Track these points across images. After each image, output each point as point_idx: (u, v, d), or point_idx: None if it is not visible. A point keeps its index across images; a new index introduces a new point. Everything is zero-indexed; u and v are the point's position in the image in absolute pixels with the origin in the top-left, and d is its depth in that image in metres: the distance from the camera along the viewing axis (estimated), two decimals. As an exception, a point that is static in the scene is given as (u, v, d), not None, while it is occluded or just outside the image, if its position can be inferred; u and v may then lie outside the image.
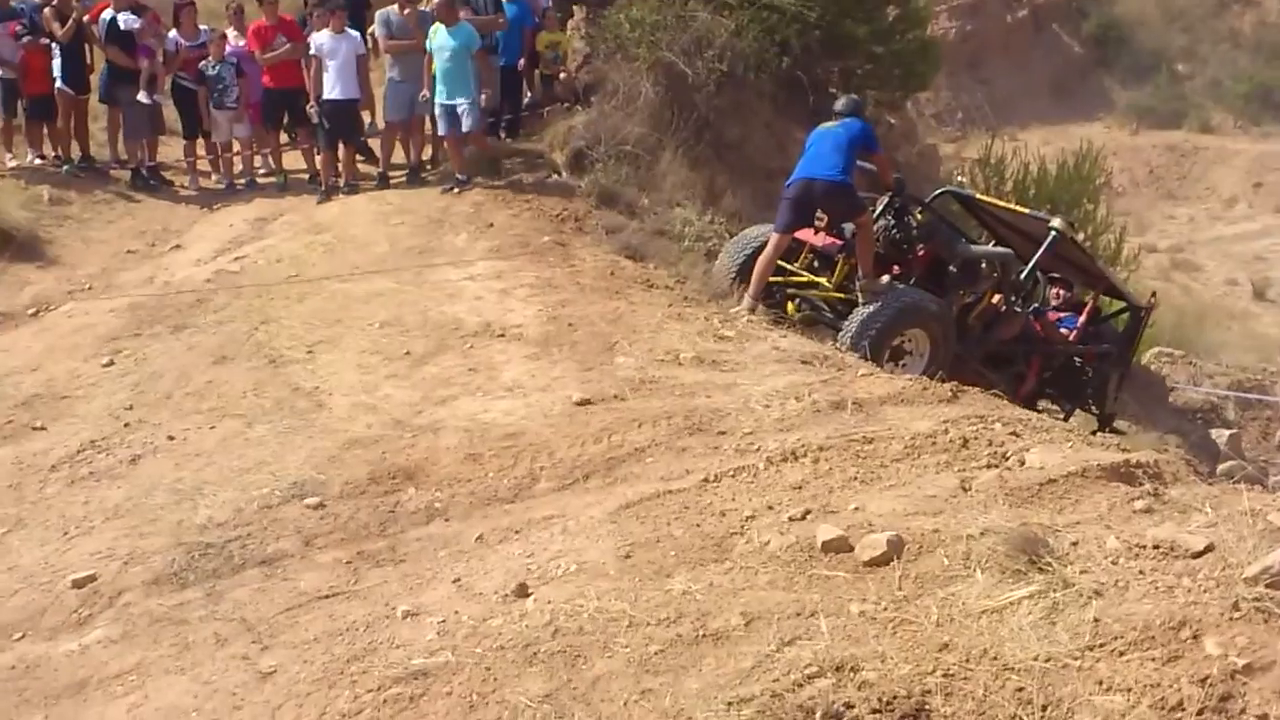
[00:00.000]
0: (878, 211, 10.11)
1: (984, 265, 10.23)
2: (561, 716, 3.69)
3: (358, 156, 13.30)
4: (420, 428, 7.10)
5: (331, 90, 12.41)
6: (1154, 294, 12.51)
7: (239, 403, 7.69)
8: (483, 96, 12.36)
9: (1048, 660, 3.41)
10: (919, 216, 10.32)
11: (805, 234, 9.96)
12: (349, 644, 4.55)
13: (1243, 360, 18.46)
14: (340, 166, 12.87)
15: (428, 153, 13.57)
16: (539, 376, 7.85)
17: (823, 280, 9.91)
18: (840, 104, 10.08)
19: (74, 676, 4.67)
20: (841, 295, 9.71)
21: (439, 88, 12.25)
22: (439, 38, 12.14)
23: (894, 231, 10.06)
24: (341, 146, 12.86)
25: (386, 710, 3.97)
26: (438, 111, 12.47)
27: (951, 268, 10.07)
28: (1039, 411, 9.36)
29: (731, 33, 13.38)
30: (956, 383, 7.70)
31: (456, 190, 12.28)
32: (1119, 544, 4.17)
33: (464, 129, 12.35)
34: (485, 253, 10.71)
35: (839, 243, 9.86)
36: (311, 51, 12.57)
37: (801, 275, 10.05)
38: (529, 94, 14.48)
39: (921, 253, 10.04)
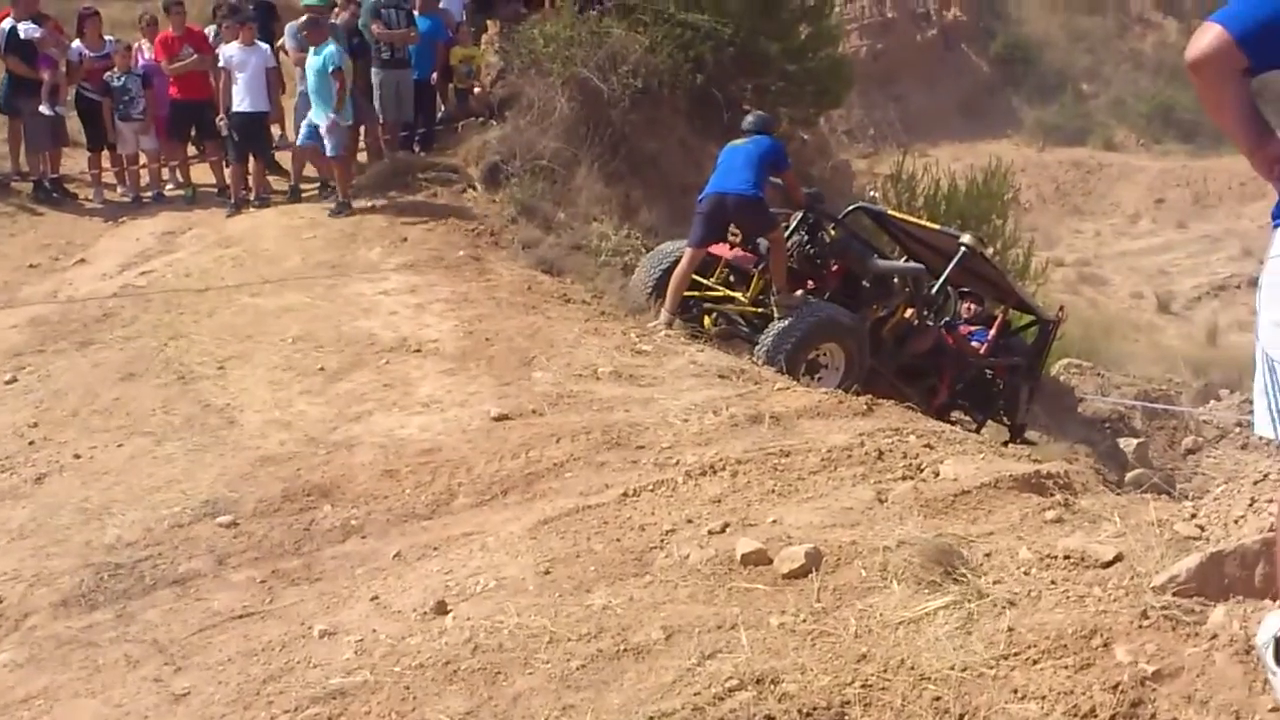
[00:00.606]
0: (791, 228, 10.20)
1: (896, 280, 10.37)
2: (482, 734, 3.66)
3: (266, 170, 13.15)
4: (335, 444, 7.01)
5: (241, 103, 12.27)
6: (1062, 307, 12.73)
7: (148, 420, 7.54)
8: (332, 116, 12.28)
9: (964, 670, 3.45)
10: (832, 232, 10.42)
11: (720, 249, 10.04)
12: (264, 664, 4.47)
13: (1149, 371, 18.93)
14: (250, 179, 12.72)
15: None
16: (455, 392, 7.80)
17: (738, 295, 9.98)
18: (749, 121, 10.18)
19: (-21, 702, 4.55)
20: (757, 309, 9.79)
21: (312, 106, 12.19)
22: (308, 58, 12.08)
23: (808, 247, 10.15)
24: (251, 159, 12.70)
25: (304, 731, 3.91)
26: (305, 131, 12.33)
27: (864, 283, 10.20)
28: (952, 423, 9.48)
29: (646, 49, 13.44)
30: (871, 396, 7.79)
31: (335, 214, 12.12)
32: (1031, 554, 4.24)
33: (327, 151, 12.20)
34: (399, 267, 10.64)
35: (753, 257, 9.94)
36: (221, 64, 12.44)
37: (717, 290, 10.11)
38: (442, 108, 14.44)
39: (835, 268, 10.16)
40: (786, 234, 10.01)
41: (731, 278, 10.24)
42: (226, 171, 12.90)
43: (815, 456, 6.04)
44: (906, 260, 11.46)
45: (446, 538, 5.59)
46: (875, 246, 11.04)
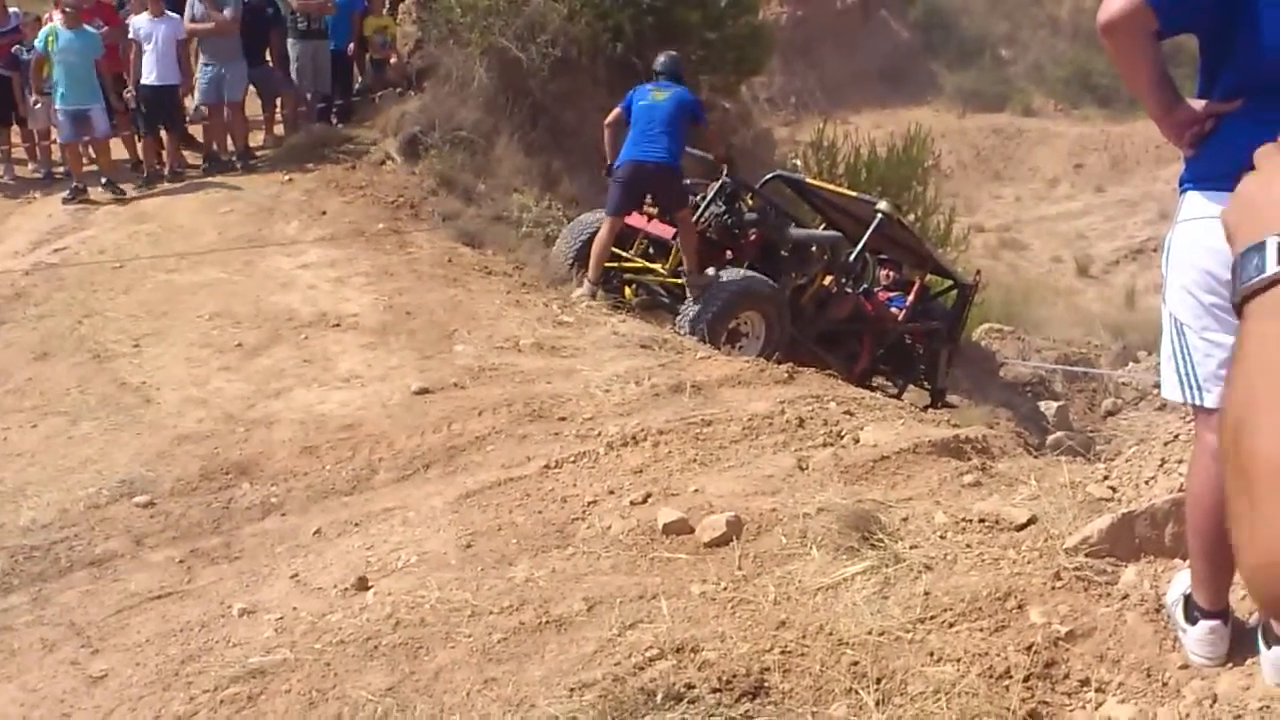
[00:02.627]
0: (709, 197, 10.18)
1: (814, 248, 10.43)
2: (403, 709, 3.64)
3: (179, 143, 12.93)
4: (254, 421, 6.94)
5: (150, 75, 12.03)
6: (979, 272, 12.89)
7: (63, 400, 7.42)
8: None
9: (881, 634, 3.49)
10: (750, 202, 10.44)
11: (638, 221, 10.01)
12: (183, 645, 4.43)
13: (1068, 334, 19.19)
14: (163, 154, 12.50)
15: (257, 139, 13.28)
16: (376, 366, 7.75)
17: (657, 266, 9.98)
18: (660, 62, 10.11)
19: (-109, 689, 4.46)
20: (677, 280, 9.79)
21: (60, 92, 11.75)
22: (61, 40, 11.64)
23: (726, 217, 10.16)
24: (164, 132, 12.47)
25: (223, 711, 3.87)
26: (60, 118, 11.97)
27: (783, 251, 10.24)
28: (873, 389, 9.56)
29: (565, 18, 13.36)
30: (792, 364, 7.83)
31: (111, 199, 11.89)
32: (947, 518, 4.29)
33: (99, 133, 11.94)
34: (318, 241, 10.52)
35: (672, 229, 9.94)
36: (130, 35, 12.20)
37: (636, 262, 10.10)
38: (360, 79, 14.28)
39: (753, 237, 10.17)
40: (704, 203, 10.01)
41: (651, 249, 10.23)
42: (139, 145, 12.66)
43: (736, 425, 6.07)
44: (825, 228, 11.52)
45: (367, 513, 5.56)
46: (793, 215, 11.08)
